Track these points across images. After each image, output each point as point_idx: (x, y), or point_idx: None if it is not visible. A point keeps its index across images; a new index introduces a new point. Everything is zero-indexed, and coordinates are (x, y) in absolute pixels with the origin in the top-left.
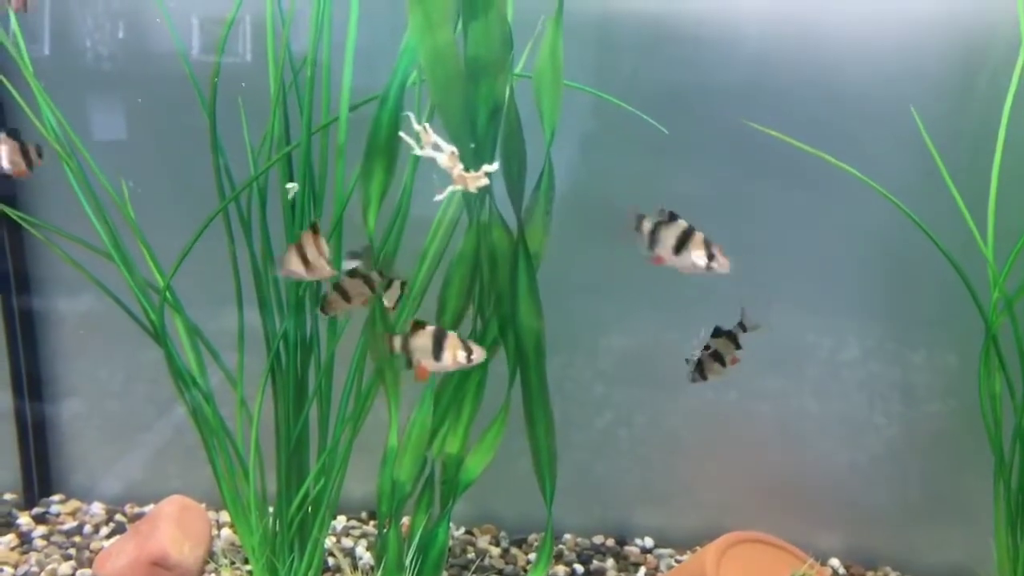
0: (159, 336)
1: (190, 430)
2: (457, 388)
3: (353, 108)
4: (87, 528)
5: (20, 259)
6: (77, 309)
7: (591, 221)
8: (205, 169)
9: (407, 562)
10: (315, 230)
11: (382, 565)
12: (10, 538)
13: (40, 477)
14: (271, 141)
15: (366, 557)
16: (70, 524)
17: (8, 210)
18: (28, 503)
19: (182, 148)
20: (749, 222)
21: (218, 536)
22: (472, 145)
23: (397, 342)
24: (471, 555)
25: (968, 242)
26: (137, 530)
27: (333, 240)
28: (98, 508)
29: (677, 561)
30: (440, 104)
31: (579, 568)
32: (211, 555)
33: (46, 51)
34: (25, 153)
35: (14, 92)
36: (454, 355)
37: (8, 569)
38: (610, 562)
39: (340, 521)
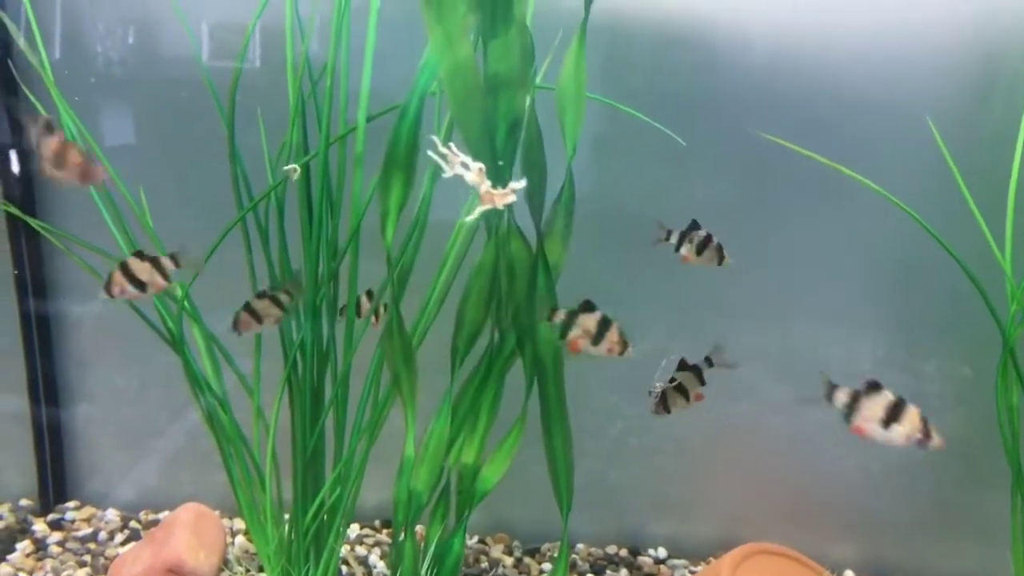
0: (177, 344)
1: (204, 437)
2: (474, 399)
3: (371, 119)
4: (102, 535)
5: (37, 265)
6: (93, 315)
7: (605, 230)
8: (218, 174)
9: (422, 572)
10: (140, 256)
11: (397, 575)
12: (26, 544)
13: (55, 483)
14: (289, 149)
15: (380, 566)
16: (85, 531)
17: (28, 218)
18: (43, 509)
19: (194, 153)
20: (761, 229)
21: (232, 544)
22: (500, 163)
23: (560, 315)
24: (484, 564)
25: (983, 252)
26: (152, 537)
27: (350, 250)
28: (113, 515)
29: (691, 572)
30: (459, 118)
31: None
32: (225, 563)
33: (57, 55)
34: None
35: (32, 98)
36: (611, 343)
37: None
38: (623, 572)
39: (353, 529)
